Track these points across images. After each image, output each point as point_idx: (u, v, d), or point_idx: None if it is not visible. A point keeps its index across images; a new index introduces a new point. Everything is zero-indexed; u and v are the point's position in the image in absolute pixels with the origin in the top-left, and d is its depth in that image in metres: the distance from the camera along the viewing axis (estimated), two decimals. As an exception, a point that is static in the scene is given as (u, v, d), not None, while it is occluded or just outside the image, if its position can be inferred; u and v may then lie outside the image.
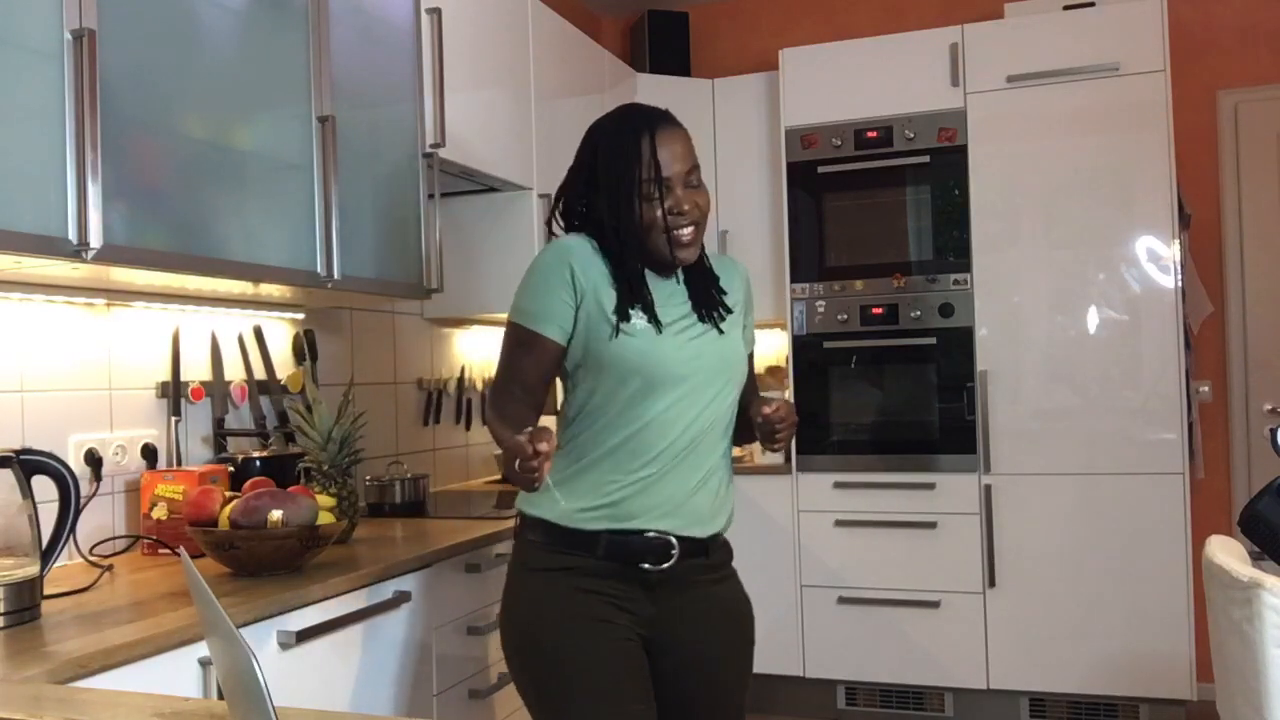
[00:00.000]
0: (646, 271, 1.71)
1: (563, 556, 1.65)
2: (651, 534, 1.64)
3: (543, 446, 1.42)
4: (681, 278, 1.76)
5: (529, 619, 1.66)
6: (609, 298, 1.64)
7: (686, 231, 1.68)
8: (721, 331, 1.73)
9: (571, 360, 1.69)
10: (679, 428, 1.65)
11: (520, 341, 1.69)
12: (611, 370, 1.64)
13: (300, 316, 2.58)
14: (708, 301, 1.74)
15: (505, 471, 1.53)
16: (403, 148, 2.42)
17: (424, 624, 2.00)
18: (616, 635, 1.63)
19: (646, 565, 1.65)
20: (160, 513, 1.99)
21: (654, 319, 1.66)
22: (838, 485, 3.53)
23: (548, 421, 1.68)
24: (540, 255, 1.71)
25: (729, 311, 1.76)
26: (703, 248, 1.79)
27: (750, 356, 1.85)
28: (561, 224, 1.76)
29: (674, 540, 1.65)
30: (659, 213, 1.66)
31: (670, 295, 1.72)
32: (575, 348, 1.67)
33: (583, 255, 1.66)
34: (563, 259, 1.66)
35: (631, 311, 1.65)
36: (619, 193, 1.67)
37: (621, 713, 1.60)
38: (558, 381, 1.78)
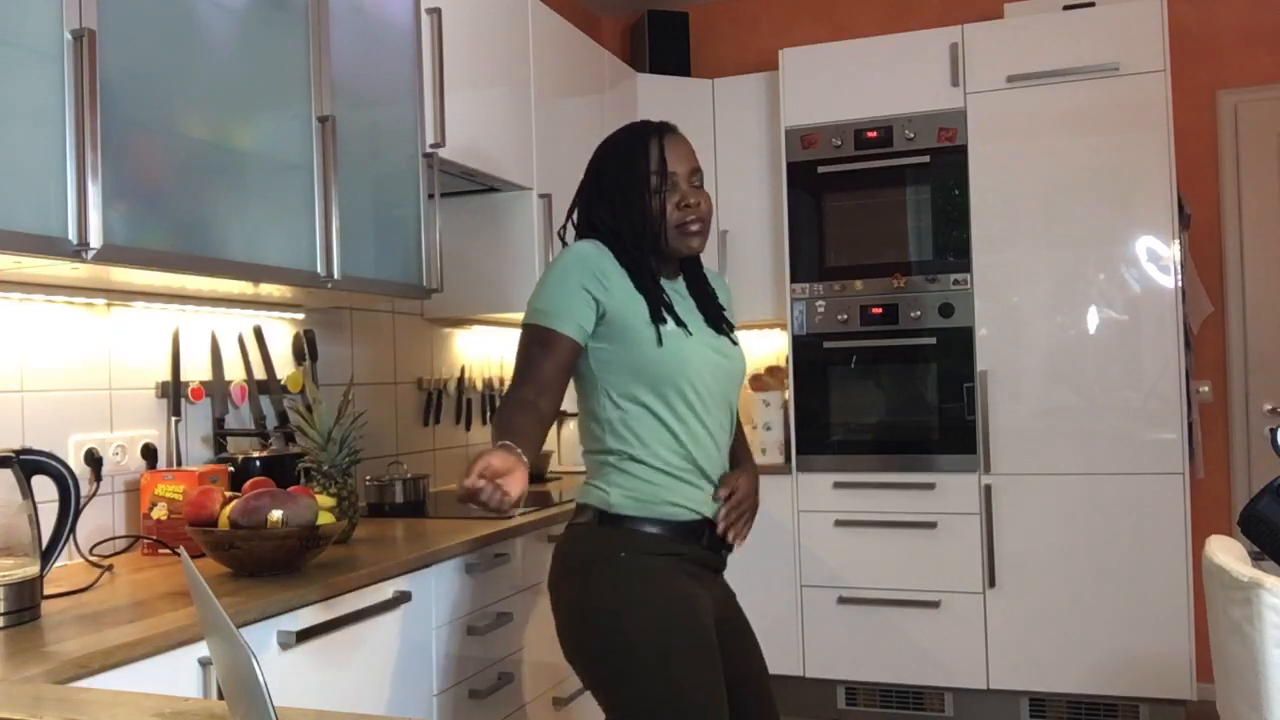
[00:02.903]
0: (661, 279, 1.80)
1: (669, 543, 1.72)
2: (711, 515, 1.79)
3: (496, 470, 1.41)
4: (685, 288, 1.86)
5: (642, 603, 1.68)
6: (639, 304, 1.72)
7: (695, 225, 1.78)
8: (735, 342, 1.87)
9: (610, 369, 1.74)
10: (722, 434, 1.81)
11: (539, 340, 1.71)
12: (659, 377, 1.72)
13: (300, 316, 2.58)
14: (714, 313, 1.85)
15: (462, 496, 1.43)
16: (403, 148, 2.42)
17: (424, 624, 2.00)
18: (709, 625, 1.72)
19: (723, 550, 1.82)
20: (160, 513, 1.99)
21: (680, 323, 1.75)
22: (838, 485, 3.53)
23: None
24: (558, 259, 1.76)
25: (732, 326, 1.89)
26: (700, 261, 1.91)
27: None
28: (573, 234, 1.85)
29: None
30: (668, 206, 1.77)
31: (682, 303, 1.81)
32: (617, 356, 1.73)
33: (601, 259, 1.73)
34: (582, 262, 1.72)
35: (664, 314, 1.74)
36: (628, 189, 1.78)
37: (721, 700, 1.68)
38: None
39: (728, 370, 1.82)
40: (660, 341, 1.71)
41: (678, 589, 1.70)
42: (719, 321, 1.85)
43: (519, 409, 1.68)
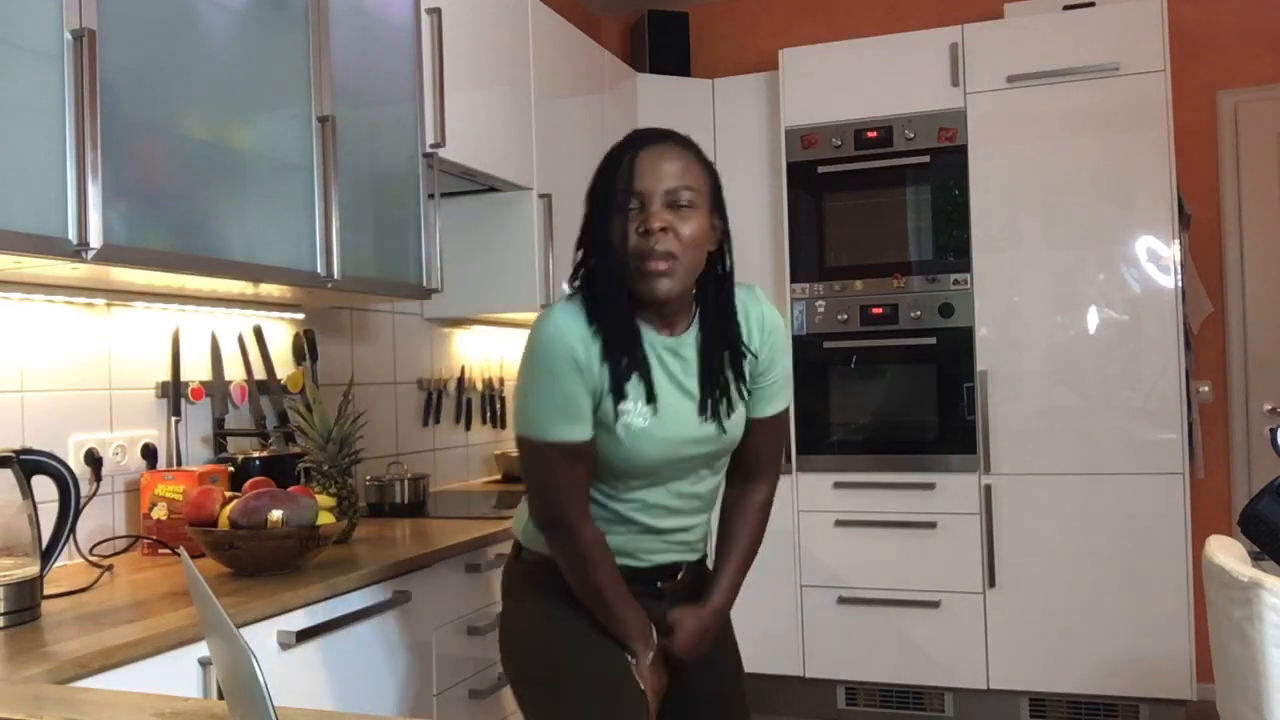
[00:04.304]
0: (650, 333, 1.51)
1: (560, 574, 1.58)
2: (661, 563, 1.63)
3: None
4: (693, 347, 1.54)
5: (541, 635, 1.61)
6: (606, 374, 1.47)
7: (656, 263, 1.44)
8: (724, 430, 1.56)
9: None
10: (672, 501, 1.59)
11: (567, 454, 1.48)
12: (602, 455, 1.52)
13: (300, 316, 2.58)
14: (715, 387, 1.53)
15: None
16: (403, 148, 2.42)
17: (424, 624, 2.00)
18: (604, 644, 1.57)
19: (661, 583, 1.64)
20: (160, 513, 1.99)
21: (651, 397, 1.48)
22: (838, 485, 3.53)
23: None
24: (532, 347, 1.48)
25: (741, 398, 1.58)
26: (730, 303, 1.57)
27: (773, 421, 1.65)
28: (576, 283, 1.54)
29: (681, 564, 1.66)
30: (629, 233, 1.45)
31: (680, 370, 1.53)
32: None
33: (569, 336, 1.45)
34: (554, 352, 1.45)
35: (627, 387, 1.47)
36: (597, 212, 1.49)
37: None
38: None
39: (690, 458, 1.55)
40: (613, 428, 1.48)
41: (569, 619, 1.57)
42: (714, 398, 1.53)
43: (596, 564, 1.51)
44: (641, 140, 1.51)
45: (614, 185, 1.47)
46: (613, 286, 1.47)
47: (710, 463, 1.60)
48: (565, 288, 1.62)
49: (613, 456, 1.51)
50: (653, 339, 1.52)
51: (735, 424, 1.59)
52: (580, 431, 1.47)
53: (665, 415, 1.51)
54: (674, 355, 1.53)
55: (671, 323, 1.54)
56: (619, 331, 1.46)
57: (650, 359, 1.50)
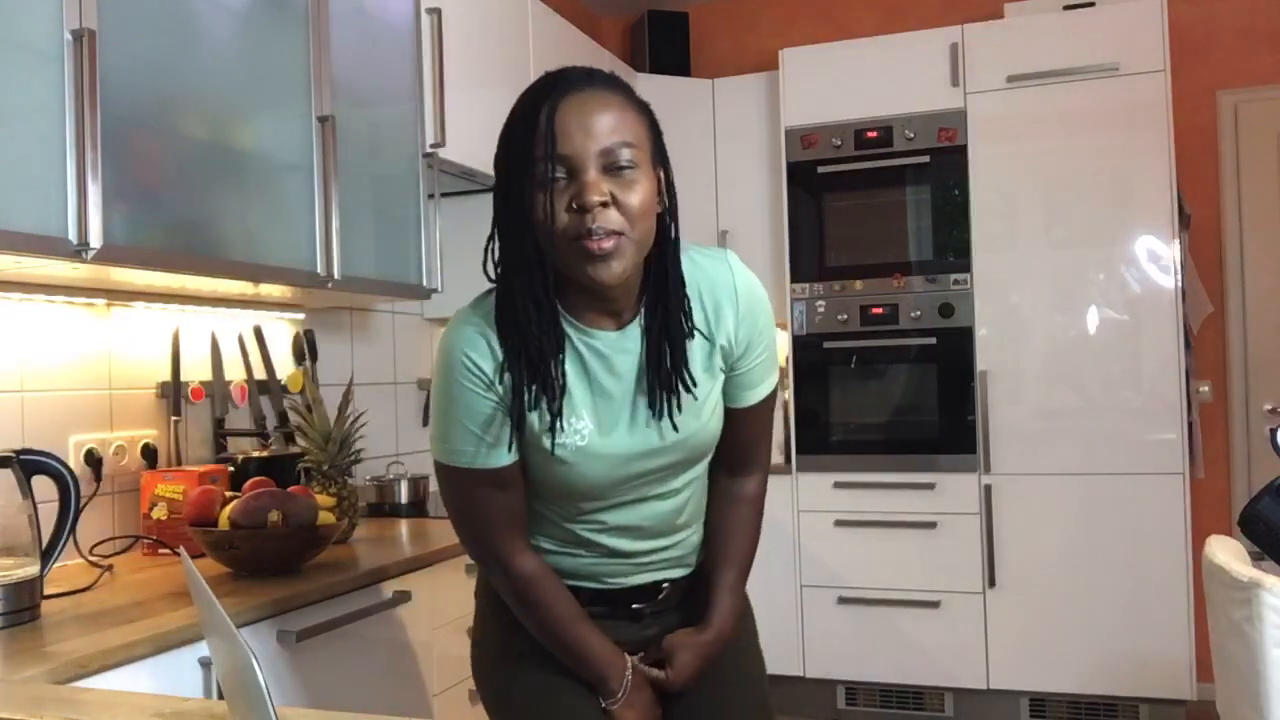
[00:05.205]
0: (588, 332, 1.26)
1: None
2: (636, 584, 1.40)
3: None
4: (638, 341, 1.28)
5: (501, 673, 1.44)
6: (526, 392, 1.25)
7: (599, 243, 1.17)
8: (676, 428, 1.29)
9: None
10: (644, 522, 1.36)
11: (487, 483, 1.28)
12: (537, 476, 1.31)
13: (300, 316, 2.58)
14: (662, 384, 1.27)
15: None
16: (403, 148, 2.42)
17: (424, 624, 2.00)
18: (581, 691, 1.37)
19: (637, 605, 1.41)
20: (160, 513, 1.99)
21: (581, 414, 1.26)
22: (838, 485, 3.53)
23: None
24: (438, 360, 1.29)
25: (689, 389, 1.28)
26: (675, 275, 1.27)
27: (760, 406, 1.39)
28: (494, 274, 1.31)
29: (664, 583, 1.42)
30: (557, 209, 1.18)
31: (627, 368, 1.28)
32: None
33: (481, 340, 1.25)
34: (463, 361, 1.24)
35: (553, 404, 1.23)
36: (510, 186, 1.23)
37: None
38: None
39: (650, 472, 1.31)
40: (543, 447, 1.26)
41: (530, 655, 1.38)
42: (664, 399, 1.26)
43: (540, 603, 1.32)
44: (561, 85, 1.20)
45: (531, 149, 1.18)
46: (530, 283, 1.22)
47: (681, 472, 1.35)
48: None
49: (549, 479, 1.30)
50: (590, 339, 1.27)
51: (695, 423, 1.32)
52: (504, 456, 1.27)
53: (610, 427, 1.28)
54: (621, 352, 1.28)
55: (619, 312, 1.28)
56: (537, 341, 1.22)
57: (589, 361, 1.27)
